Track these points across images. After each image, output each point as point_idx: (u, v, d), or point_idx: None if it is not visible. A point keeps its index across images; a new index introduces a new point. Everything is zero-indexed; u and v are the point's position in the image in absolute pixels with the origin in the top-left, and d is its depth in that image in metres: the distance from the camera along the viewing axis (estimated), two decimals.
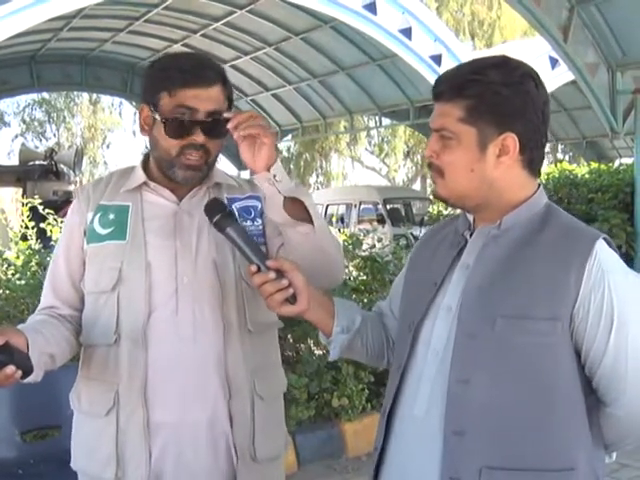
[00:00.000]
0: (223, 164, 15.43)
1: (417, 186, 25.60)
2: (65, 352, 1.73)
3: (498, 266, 1.35)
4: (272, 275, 1.46)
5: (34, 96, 27.07)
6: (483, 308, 1.33)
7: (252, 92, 15.13)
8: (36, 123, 29.63)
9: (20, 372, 1.46)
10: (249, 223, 1.77)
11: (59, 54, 14.14)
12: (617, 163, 13.33)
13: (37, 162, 13.88)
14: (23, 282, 4.25)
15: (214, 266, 1.71)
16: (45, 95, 27.36)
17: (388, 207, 14.34)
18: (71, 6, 8.24)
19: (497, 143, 1.34)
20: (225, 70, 1.76)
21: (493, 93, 1.33)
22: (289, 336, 4.48)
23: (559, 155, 23.82)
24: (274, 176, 1.58)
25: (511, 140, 1.34)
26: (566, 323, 1.29)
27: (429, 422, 1.36)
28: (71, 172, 14.10)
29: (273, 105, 15.45)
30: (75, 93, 26.99)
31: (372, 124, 21.56)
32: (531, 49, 11.58)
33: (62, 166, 13.83)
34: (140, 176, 1.77)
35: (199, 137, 1.66)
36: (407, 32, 10.34)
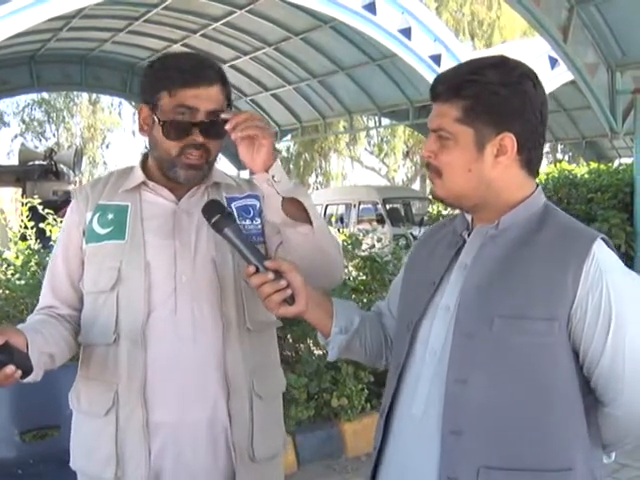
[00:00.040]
0: (223, 164, 15.44)
1: (416, 186, 25.59)
2: (64, 352, 1.73)
3: (496, 266, 1.36)
4: (270, 276, 1.46)
5: (34, 96, 27.10)
6: (481, 308, 1.34)
7: (251, 92, 15.13)
8: (36, 123, 29.63)
9: (20, 372, 1.46)
10: (248, 222, 1.77)
11: (59, 54, 14.14)
12: (616, 163, 13.33)
13: (37, 162, 13.87)
14: (22, 282, 4.25)
15: (213, 265, 1.71)
16: (45, 95, 27.36)
17: (387, 207, 14.34)
18: (71, 6, 8.24)
19: (495, 143, 1.35)
20: (224, 70, 1.76)
21: (490, 93, 1.33)
22: (289, 336, 4.48)
23: (558, 155, 23.83)
24: (273, 177, 1.58)
25: (509, 140, 1.34)
26: (564, 323, 1.29)
27: (427, 422, 1.36)
28: (71, 172, 14.10)
29: (273, 105, 15.45)
30: (75, 93, 26.99)
31: (371, 124, 21.57)
32: (531, 49, 11.58)
33: (62, 166, 13.82)
34: (139, 176, 1.77)
35: (198, 138, 1.66)
36: (407, 32, 10.34)
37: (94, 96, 27.24)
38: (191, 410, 1.68)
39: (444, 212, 8.97)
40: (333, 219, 12.14)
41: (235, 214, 1.75)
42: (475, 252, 1.40)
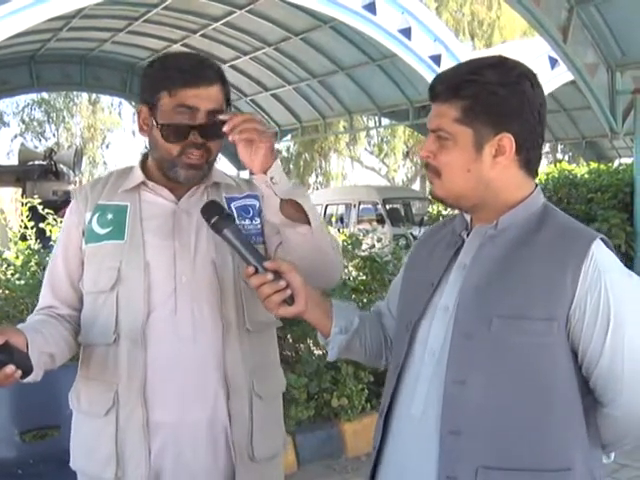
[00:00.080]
0: (223, 164, 15.44)
1: (416, 186, 25.58)
2: (64, 352, 1.73)
3: (495, 266, 1.36)
4: (270, 276, 1.46)
5: (33, 96, 27.09)
6: (479, 308, 1.34)
7: (251, 92, 15.13)
8: (35, 123, 29.62)
9: (20, 372, 1.46)
10: (247, 222, 1.77)
11: (58, 54, 14.13)
12: (616, 163, 13.33)
13: (36, 162, 13.86)
14: (22, 282, 4.25)
15: (213, 265, 1.71)
16: (44, 95, 27.36)
17: (387, 207, 14.33)
18: (71, 6, 8.24)
19: (493, 143, 1.35)
20: (223, 70, 1.77)
21: (489, 93, 1.33)
22: (289, 336, 4.48)
23: (558, 155, 23.82)
24: (271, 178, 1.59)
25: (507, 140, 1.34)
26: (562, 323, 1.29)
27: (426, 422, 1.36)
28: (70, 172, 14.09)
29: (272, 105, 15.45)
30: (74, 93, 26.98)
31: (371, 124, 21.57)
32: (530, 49, 11.58)
33: (61, 166, 13.82)
34: (138, 176, 1.77)
35: (197, 139, 1.66)
36: (407, 32, 10.34)
37: (94, 96, 27.24)
38: (191, 410, 1.68)
39: (444, 212, 8.96)
40: (333, 219, 12.15)
41: (235, 214, 1.75)
42: (474, 252, 1.40)
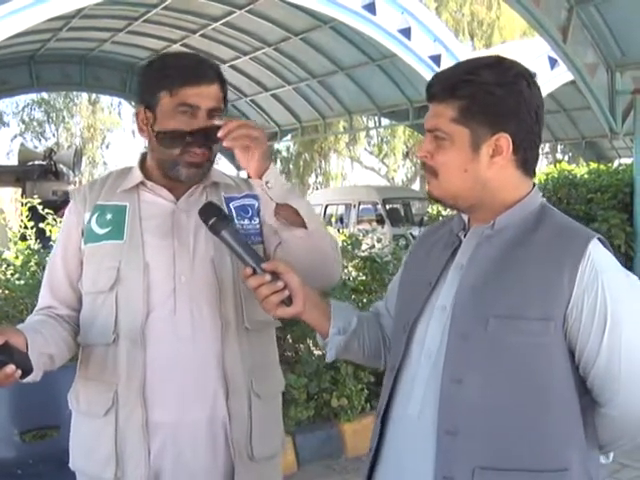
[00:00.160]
0: (222, 164, 15.43)
1: (416, 186, 25.56)
2: (64, 352, 1.73)
3: (491, 266, 1.36)
4: (267, 277, 1.46)
5: (33, 96, 27.06)
6: (476, 308, 1.34)
7: (251, 92, 15.13)
8: (35, 123, 29.59)
9: (19, 372, 1.47)
10: (246, 222, 1.77)
11: (58, 54, 14.13)
12: (616, 163, 13.33)
13: (36, 162, 13.86)
14: (22, 282, 4.25)
15: (212, 265, 1.71)
16: (44, 95, 27.34)
17: (387, 207, 14.33)
18: (70, 6, 8.23)
19: (490, 143, 1.35)
20: (221, 69, 1.77)
21: (486, 93, 1.33)
22: (288, 336, 4.48)
23: (558, 155, 23.80)
24: (266, 183, 1.59)
25: (504, 140, 1.34)
26: (559, 323, 1.29)
27: (423, 422, 1.36)
28: (70, 172, 14.10)
29: (272, 105, 15.44)
30: (74, 93, 26.95)
31: (371, 124, 21.57)
32: (530, 49, 11.57)
33: (61, 166, 13.82)
34: (137, 176, 1.77)
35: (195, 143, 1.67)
36: (406, 32, 10.34)
37: (94, 96, 27.21)
38: (190, 410, 1.68)
39: (444, 212, 8.96)
40: (333, 219, 12.15)
41: (233, 214, 1.75)
42: (471, 252, 1.40)
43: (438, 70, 1.50)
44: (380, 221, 13.75)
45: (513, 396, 1.30)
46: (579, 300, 1.29)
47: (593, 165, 8.90)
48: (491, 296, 1.33)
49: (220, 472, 1.72)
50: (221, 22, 11.82)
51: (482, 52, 17.77)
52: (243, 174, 1.74)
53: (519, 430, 1.30)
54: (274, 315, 1.52)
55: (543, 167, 11.09)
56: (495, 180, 1.37)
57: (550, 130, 16.82)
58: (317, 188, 26.00)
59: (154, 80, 1.71)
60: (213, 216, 1.57)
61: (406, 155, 25.96)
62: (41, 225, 4.75)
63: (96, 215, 1.76)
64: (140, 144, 27.61)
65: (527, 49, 11.98)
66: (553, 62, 10.56)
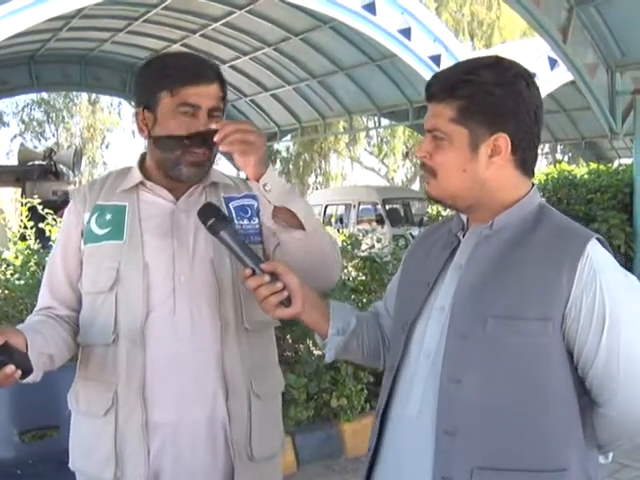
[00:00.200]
0: (222, 164, 15.43)
1: (416, 186, 25.57)
2: (64, 353, 1.73)
3: (490, 266, 1.36)
4: (266, 278, 1.46)
5: (33, 96, 27.07)
6: (474, 308, 1.34)
7: (251, 92, 15.13)
8: (35, 123, 29.60)
9: (19, 372, 1.47)
10: (246, 222, 1.77)
11: (58, 54, 14.13)
12: (616, 164, 13.32)
13: (36, 162, 13.87)
14: (22, 282, 4.25)
15: (211, 265, 1.71)
16: (44, 95, 27.34)
17: (387, 207, 14.33)
18: (70, 6, 8.24)
19: (489, 143, 1.35)
20: (221, 69, 1.77)
21: (485, 93, 1.33)
22: (288, 336, 4.48)
23: (558, 155, 23.80)
24: (264, 186, 1.59)
25: (503, 140, 1.34)
26: (558, 323, 1.29)
27: (422, 422, 1.36)
28: (70, 172, 14.11)
29: (272, 105, 15.44)
30: (74, 93, 26.94)
31: (371, 124, 21.57)
32: (530, 50, 11.58)
33: (61, 166, 13.83)
34: (137, 176, 1.77)
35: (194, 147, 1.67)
36: (406, 32, 10.34)
37: (93, 96, 27.21)
38: (190, 410, 1.68)
39: (443, 213, 8.95)
40: (333, 219, 12.16)
41: (233, 214, 1.75)
42: (469, 252, 1.40)
43: (438, 70, 1.50)
44: (380, 221, 13.76)
45: (512, 396, 1.30)
46: (577, 300, 1.28)
47: (593, 165, 8.90)
48: (490, 296, 1.33)
49: (220, 472, 1.72)
50: (221, 22, 11.82)
51: (482, 52, 17.77)
52: (243, 174, 1.74)
53: (518, 430, 1.30)
54: (273, 316, 1.53)
55: (543, 167, 11.09)
56: (494, 180, 1.37)
57: (550, 130, 16.83)
58: (317, 188, 26.01)
59: (154, 80, 1.71)
60: (212, 217, 1.57)
61: (406, 155, 25.95)
62: (41, 225, 4.76)
63: (96, 215, 1.76)
64: (140, 144, 27.65)
65: (527, 49, 11.98)
66: (553, 62, 10.57)
